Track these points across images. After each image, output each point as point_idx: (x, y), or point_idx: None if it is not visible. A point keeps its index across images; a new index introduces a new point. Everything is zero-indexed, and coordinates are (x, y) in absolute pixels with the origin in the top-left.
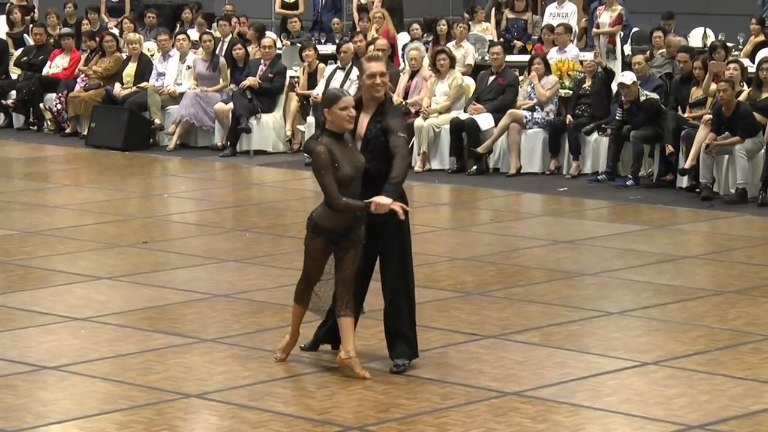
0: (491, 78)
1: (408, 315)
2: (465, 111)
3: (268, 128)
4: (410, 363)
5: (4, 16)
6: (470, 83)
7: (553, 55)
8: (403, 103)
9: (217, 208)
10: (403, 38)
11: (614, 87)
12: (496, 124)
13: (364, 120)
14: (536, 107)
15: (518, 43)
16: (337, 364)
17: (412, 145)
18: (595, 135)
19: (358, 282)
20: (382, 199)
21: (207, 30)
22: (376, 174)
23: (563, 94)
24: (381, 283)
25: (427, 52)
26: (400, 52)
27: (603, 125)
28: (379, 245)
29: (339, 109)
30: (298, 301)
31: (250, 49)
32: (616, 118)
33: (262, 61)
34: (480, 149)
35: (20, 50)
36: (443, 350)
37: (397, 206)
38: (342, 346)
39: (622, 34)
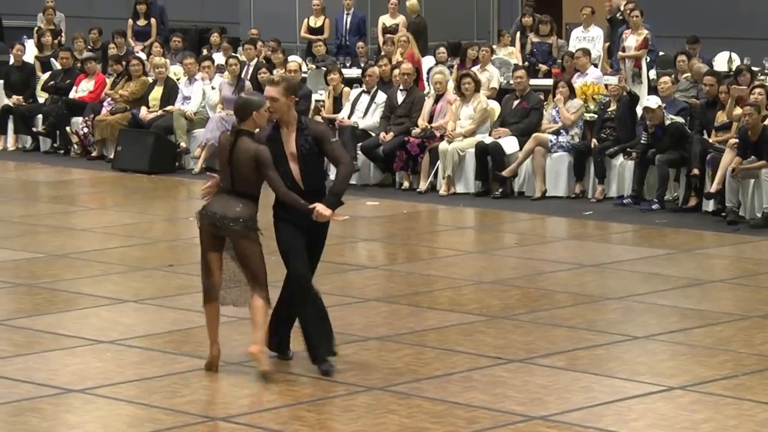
0: (516, 101)
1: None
2: (490, 135)
3: None
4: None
5: (32, 41)
6: (495, 107)
7: (577, 79)
8: (428, 127)
9: None
10: (428, 62)
11: (639, 111)
12: (521, 147)
13: (290, 138)
14: (561, 131)
15: (543, 67)
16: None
17: (437, 169)
18: (620, 159)
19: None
20: (325, 210)
21: (233, 54)
22: (317, 189)
23: (588, 118)
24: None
25: (451, 75)
26: (425, 76)
27: (628, 149)
28: (310, 240)
29: (264, 110)
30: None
31: (275, 73)
32: (642, 141)
33: None
34: (505, 173)
35: (47, 74)
36: (468, 374)
37: (337, 218)
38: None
39: (648, 58)
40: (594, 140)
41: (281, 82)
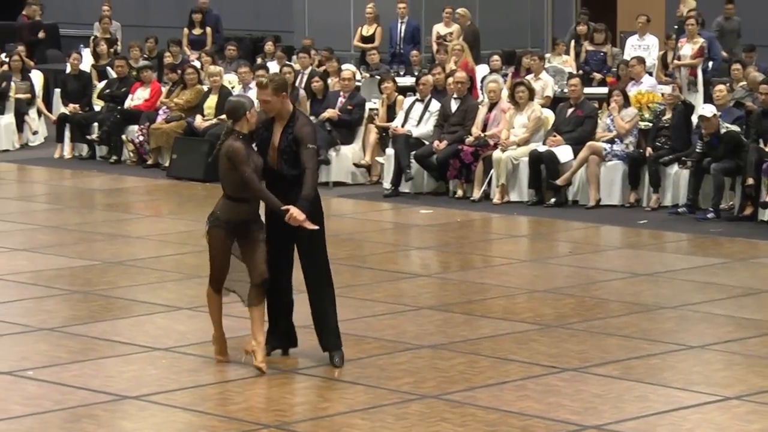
0: (570, 110)
1: (332, 306)
2: (544, 143)
3: (347, 160)
4: (343, 353)
5: (89, 49)
6: (549, 115)
7: (631, 87)
8: (482, 135)
9: None
10: (482, 70)
11: (694, 119)
12: (575, 156)
13: (278, 131)
14: (615, 139)
15: (597, 76)
16: (246, 351)
17: (490, 177)
18: (675, 167)
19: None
20: (298, 213)
21: (287, 62)
22: (293, 180)
23: (643, 127)
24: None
25: (505, 84)
26: (478, 84)
27: (683, 158)
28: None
29: (254, 110)
30: (210, 300)
31: (329, 81)
32: (697, 150)
33: (341, 93)
34: (559, 181)
35: (103, 83)
36: (522, 383)
37: (308, 225)
38: (252, 336)
39: (710, 66)
40: (649, 149)
41: (269, 84)
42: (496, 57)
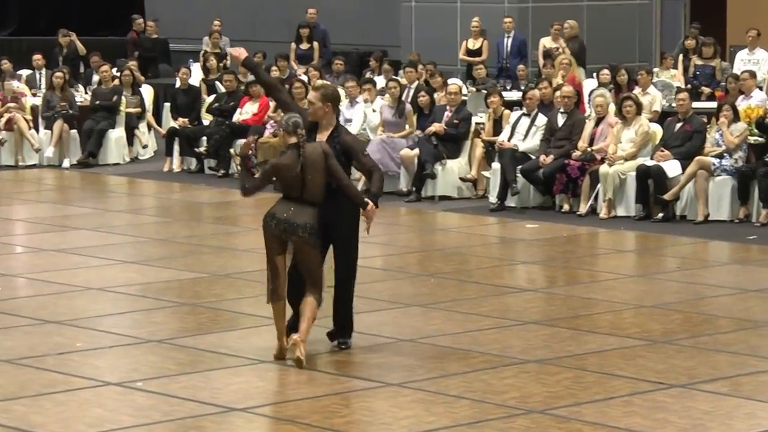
0: (678, 125)
1: (352, 300)
2: (651, 158)
3: (453, 174)
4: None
5: (198, 64)
6: (657, 130)
7: (741, 102)
8: (589, 149)
9: (401, 253)
10: (589, 84)
11: None
12: (683, 171)
13: (322, 139)
14: (724, 154)
15: (706, 90)
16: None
17: (597, 192)
18: None
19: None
20: (374, 209)
21: (393, 77)
22: (336, 186)
23: (753, 141)
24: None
25: (612, 98)
26: (585, 99)
27: None
28: (332, 239)
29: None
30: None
31: (435, 96)
32: None
33: (447, 107)
34: (667, 196)
35: (212, 97)
36: (629, 398)
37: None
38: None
39: None
40: (759, 164)
41: (320, 89)
42: (605, 71)
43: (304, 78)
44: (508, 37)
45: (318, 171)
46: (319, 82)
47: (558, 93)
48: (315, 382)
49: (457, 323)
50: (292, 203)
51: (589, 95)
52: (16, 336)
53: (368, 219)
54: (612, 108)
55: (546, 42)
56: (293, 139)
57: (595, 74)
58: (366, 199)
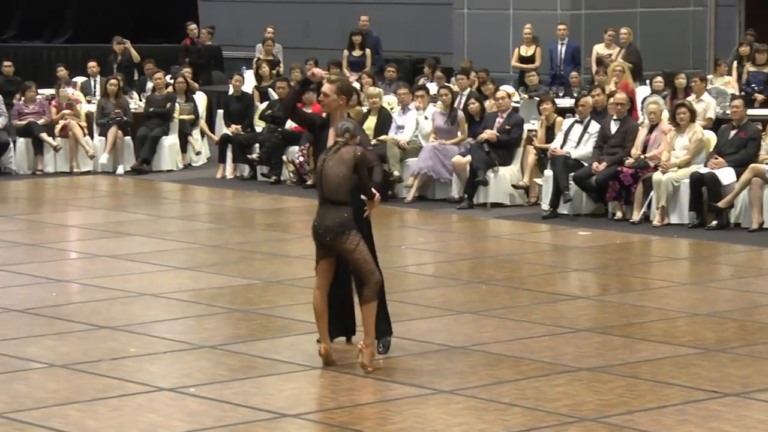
0: (732, 132)
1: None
2: (705, 165)
3: (505, 181)
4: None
5: (251, 71)
6: (711, 137)
7: None
8: (642, 156)
9: (453, 260)
10: (642, 91)
11: None
12: (738, 178)
13: (332, 135)
14: None
15: (759, 97)
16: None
17: (650, 199)
18: None
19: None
20: (379, 198)
21: (445, 84)
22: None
23: None
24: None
25: (665, 105)
26: (638, 106)
27: None
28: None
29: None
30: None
31: (486, 103)
32: None
33: (498, 114)
34: (721, 204)
35: (265, 104)
36: (682, 407)
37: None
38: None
39: None
40: None
41: (336, 81)
42: (658, 78)
43: (357, 85)
44: (562, 44)
45: (342, 167)
46: (334, 75)
47: (611, 100)
48: (367, 388)
49: (509, 330)
50: (320, 207)
51: (642, 102)
52: (70, 341)
53: (371, 207)
54: (665, 115)
55: (599, 49)
56: (339, 139)
57: (648, 81)
58: (373, 190)
